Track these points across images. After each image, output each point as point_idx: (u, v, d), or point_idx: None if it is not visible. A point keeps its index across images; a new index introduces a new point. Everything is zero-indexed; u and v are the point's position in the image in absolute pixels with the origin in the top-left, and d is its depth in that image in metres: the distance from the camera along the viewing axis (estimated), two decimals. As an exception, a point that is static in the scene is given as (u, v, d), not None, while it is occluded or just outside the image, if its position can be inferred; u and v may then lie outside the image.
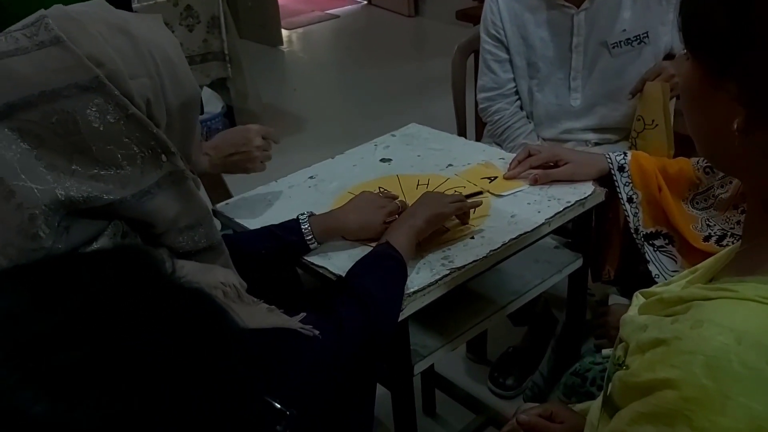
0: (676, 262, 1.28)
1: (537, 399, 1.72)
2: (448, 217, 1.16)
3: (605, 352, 1.27)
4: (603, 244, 1.48)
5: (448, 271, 1.09)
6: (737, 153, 0.61)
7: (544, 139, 1.89)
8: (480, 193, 1.24)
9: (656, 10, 1.68)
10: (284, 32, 5.49)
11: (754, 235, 0.64)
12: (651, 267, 1.29)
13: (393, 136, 1.59)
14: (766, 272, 0.58)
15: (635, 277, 1.38)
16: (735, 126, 0.59)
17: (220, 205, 1.34)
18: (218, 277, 0.84)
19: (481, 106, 1.93)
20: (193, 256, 0.85)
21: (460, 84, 2.13)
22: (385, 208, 1.19)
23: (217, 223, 1.20)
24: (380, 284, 1.00)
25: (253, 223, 1.26)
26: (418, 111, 3.66)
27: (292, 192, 1.38)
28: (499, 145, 1.94)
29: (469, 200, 1.20)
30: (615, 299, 1.37)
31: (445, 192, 1.26)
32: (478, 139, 2.08)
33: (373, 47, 5.21)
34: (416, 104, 3.89)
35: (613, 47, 1.70)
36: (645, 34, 1.69)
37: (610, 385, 0.67)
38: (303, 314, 0.91)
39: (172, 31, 3.34)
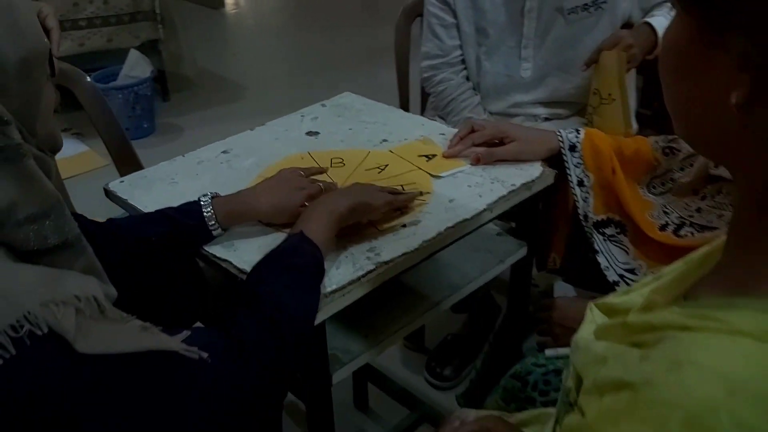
0: (627, 253, 1.15)
1: (470, 396, 1.60)
2: (376, 210, 0.99)
3: (548, 352, 1.14)
4: (549, 230, 1.34)
5: (373, 266, 0.93)
6: (731, 135, 0.46)
7: (491, 113, 1.75)
8: (420, 193, 1.07)
9: (615, -27, 1.54)
10: (228, -7, 5.21)
11: (741, 240, 0.50)
12: (600, 258, 1.15)
13: (323, 106, 1.42)
14: (762, 294, 0.44)
15: (582, 266, 1.25)
16: (733, 100, 0.44)
17: (112, 183, 1.14)
18: (70, 289, 0.65)
19: (424, 75, 1.78)
20: (41, 257, 0.67)
21: (404, 50, 1.97)
22: (305, 190, 1.02)
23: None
24: (292, 289, 0.84)
25: (149, 206, 1.07)
26: (365, 79, 3.48)
27: (201, 169, 1.19)
28: (442, 118, 1.79)
29: (405, 195, 1.04)
30: (560, 288, 1.24)
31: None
32: (423, 111, 1.92)
33: (322, 11, 4.97)
34: (364, 72, 3.70)
35: (569, 13, 1.56)
36: (603, 0, 1.54)
37: (557, 428, 0.53)
38: (187, 333, 0.73)
39: (96, -14, 3.07)
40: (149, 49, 3.25)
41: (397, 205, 1.03)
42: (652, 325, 0.48)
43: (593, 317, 0.63)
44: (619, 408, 0.44)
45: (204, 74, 3.73)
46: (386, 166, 1.17)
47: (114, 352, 0.64)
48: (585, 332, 0.61)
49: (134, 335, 0.68)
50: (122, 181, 1.15)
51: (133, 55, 3.05)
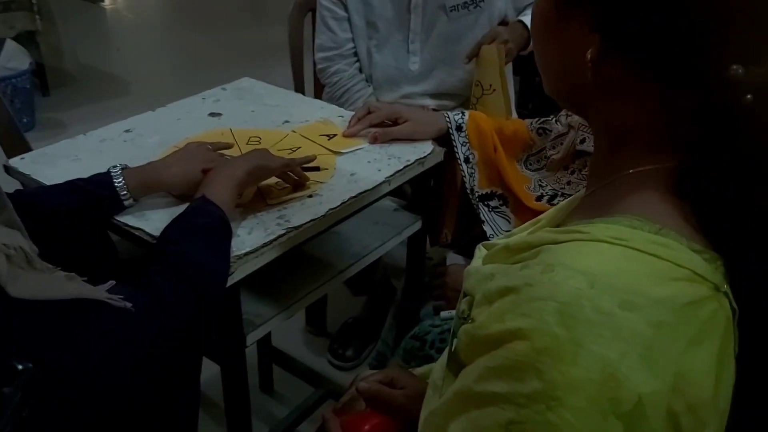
0: (509, 222, 1.28)
1: (382, 367, 1.69)
2: (272, 172, 1.06)
3: (444, 314, 1.25)
4: (440, 207, 1.46)
5: (284, 231, 1.00)
6: (587, 87, 0.58)
7: (383, 104, 1.85)
8: (316, 169, 1.14)
9: (491, -25, 1.69)
10: (106, -13, 5.03)
11: (599, 178, 0.62)
12: (485, 227, 1.28)
13: (223, 89, 1.46)
14: (614, 213, 0.56)
15: (471, 240, 1.38)
16: (588, 56, 0.55)
17: (13, 160, 1.14)
18: None
19: (319, 66, 1.85)
20: None
21: (298, 42, 2.02)
22: (213, 162, 1.07)
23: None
24: (199, 246, 0.89)
25: (55, 181, 1.08)
26: (256, 77, 3.49)
27: (104, 146, 1.21)
28: (338, 108, 1.87)
29: (300, 158, 1.11)
30: (453, 258, 1.36)
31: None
32: (317, 102, 1.99)
33: (205, 10, 4.92)
34: (252, 71, 3.70)
35: (451, 10, 1.69)
36: (481, -1, 1.69)
37: (455, 341, 0.62)
38: (111, 282, 0.78)
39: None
40: (26, 41, 3.10)
41: (293, 166, 1.09)
42: (529, 244, 0.59)
43: (481, 254, 0.74)
44: (505, 308, 0.53)
45: (85, 69, 3.61)
46: (298, 148, 1.24)
47: (43, 297, 0.68)
48: (474, 264, 0.71)
49: (61, 284, 0.72)
50: (23, 158, 1.15)
51: (10, 45, 2.90)
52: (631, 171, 0.57)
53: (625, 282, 0.49)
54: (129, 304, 0.75)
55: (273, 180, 1.09)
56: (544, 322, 0.49)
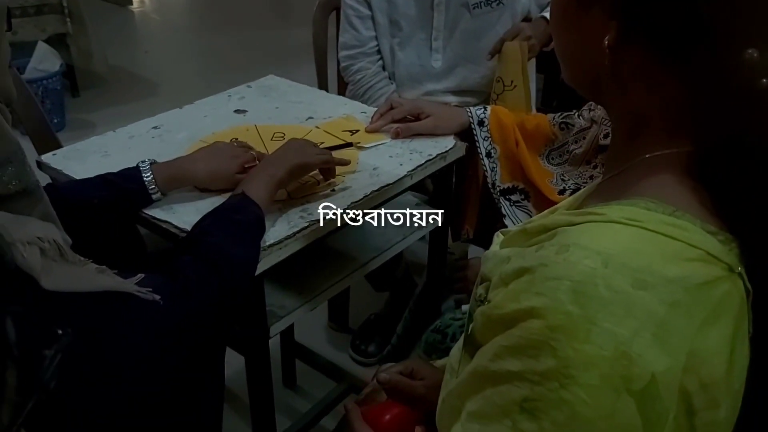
0: (530, 216, 1.29)
1: (392, 358, 1.70)
2: (312, 168, 1.08)
3: (465, 307, 1.26)
4: (462, 202, 1.47)
5: (306, 224, 1.02)
6: (605, 74, 0.58)
7: (406, 101, 1.86)
8: (348, 144, 1.16)
9: (514, -29, 1.69)
10: (135, -9, 5.13)
11: (616, 164, 0.62)
12: (507, 221, 1.29)
13: (249, 87, 1.49)
14: (629, 196, 0.56)
15: (492, 234, 1.38)
16: (606, 43, 0.56)
17: (45, 156, 1.17)
18: (34, 231, 0.71)
19: (342, 64, 1.87)
20: (2, 203, 0.71)
21: (322, 41, 2.05)
22: (239, 158, 1.10)
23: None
24: (234, 241, 0.91)
25: (85, 176, 1.11)
26: (279, 76, 3.52)
27: (133, 143, 1.24)
28: (361, 105, 1.89)
29: (337, 154, 1.13)
30: (474, 252, 1.37)
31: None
32: (340, 100, 2.01)
33: (230, 11, 4.98)
34: (277, 70, 3.73)
35: (474, 8, 1.69)
36: (504, -5, 1.69)
37: (471, 324, 0.63)
38: (141, 276, 0.80)
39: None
40: (57, 43, 3.17)
41: (332, 163, 1.11)
42: (545, 227, 0.60)
43: (498, 240, 0.75)
44: (520, 288, 0.54)
45: (114, 71, 3.68)
46: (322, 143, 1.25)
47: (75, 290, 0.70)
48: (492, 249, 0.72)
49: (92, 276, 0.74)
50: (55, 154, 1.18)
51: (42, 48, 2.98)
52: (647, 156, 0.58)
53: (638, 261, 0.50)
54: (157, 297, 0.77)
55: None
56: (557, 301, 0.50)
